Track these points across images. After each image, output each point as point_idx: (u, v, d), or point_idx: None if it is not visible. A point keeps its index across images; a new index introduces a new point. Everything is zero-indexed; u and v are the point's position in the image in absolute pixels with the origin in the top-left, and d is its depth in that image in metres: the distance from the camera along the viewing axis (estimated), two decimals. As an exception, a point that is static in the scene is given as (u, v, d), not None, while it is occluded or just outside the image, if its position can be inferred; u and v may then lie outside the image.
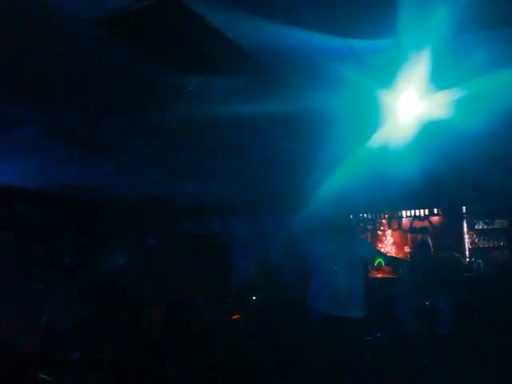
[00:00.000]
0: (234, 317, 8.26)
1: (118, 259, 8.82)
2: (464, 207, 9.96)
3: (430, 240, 8.33)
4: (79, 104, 4.17)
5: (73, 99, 4.03)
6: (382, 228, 10.80)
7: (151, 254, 9.83)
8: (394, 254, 10.66)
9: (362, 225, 10.67)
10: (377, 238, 10.84)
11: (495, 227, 9.82)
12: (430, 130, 4.63)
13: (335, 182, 6.36)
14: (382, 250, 10.71)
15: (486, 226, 9.90)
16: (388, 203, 9.63)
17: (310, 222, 7.70)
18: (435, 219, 10.21)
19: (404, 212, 10.32)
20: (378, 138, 4.88)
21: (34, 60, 3.24)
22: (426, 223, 10.14)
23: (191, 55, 3.20)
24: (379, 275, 10.22)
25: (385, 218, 10.69)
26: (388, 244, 10.74)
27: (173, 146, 5.60)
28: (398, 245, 10.73)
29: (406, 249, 10.56)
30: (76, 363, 5.88)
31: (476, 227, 10.00)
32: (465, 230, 10.08)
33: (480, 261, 9.49)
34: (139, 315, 7.27)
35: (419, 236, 9.86)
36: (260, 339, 7.11)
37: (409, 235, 10.54)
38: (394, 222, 10.56)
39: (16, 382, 5.36)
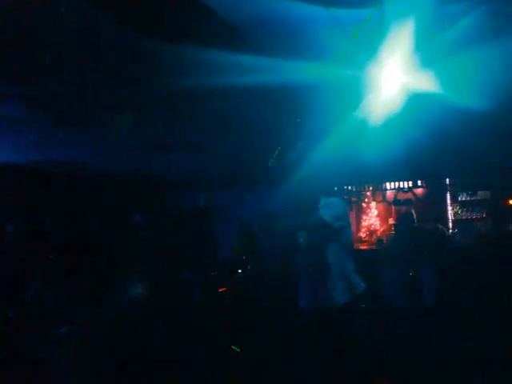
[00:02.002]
0: (221, 289, 8.30)
1: (105, 235, 8.78)
2: (447, 179, 10.03)
3: (413, 212, 8.42)
4: (59, 76, 4.08)
5: (52, 70, 3.94)
6: (366, 200, 10.87)
7: (137, 229, 9.80)
8: (378, 226, 10.76)
9: (346, 197, 10.72)
10: (361, 211, 10.91)
11: (478, 199, 9.93)
12: (413, 102, 4.61)
13: (319, 155, 6.34)
14: (366, 223, 10.81)
15: (468, 198, 10.01)
16: (372, 176, 9.66)
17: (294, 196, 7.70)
18: (419, 191, 10.29)
19: (388, 184, 10.38)
20: (362, 110, 4.86)
21: (15, 32, 3.16)
22: (409, 195, 10.22)
23: (172, 26, 3.13)
24: (363, 247, 10.32)
25: (369, 191, 10.75)
26: (372, 216, 10.82)
27: (156, 119, 5.52)
28: (383, 217, 10.82)
29: (391, 221, 10.66)
30: (62, 338, 5.90)
31: (459, 199, 10.11)
32: (448, 201, 10.19)
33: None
34: (126, 291, 7.28)
35: (403, 208, 9.95)
36: (247, 311, 7.17)
37: (393, 207, 10.63)
38: (378, 194, 10.64)
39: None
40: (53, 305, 6.31)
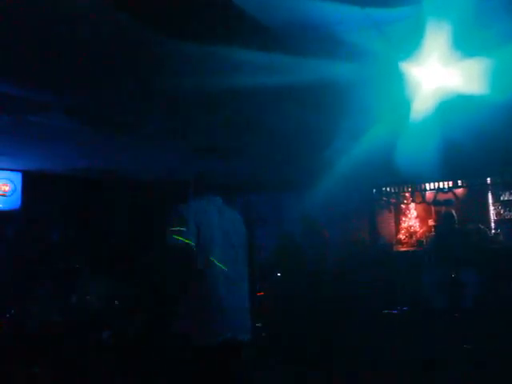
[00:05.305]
0: (258, 294, 8.30)
1: (144, 240, 8.91)
2: (489, 178, 9.78)
3: (454, 212, 8.25)
4: (95, 84, 4.18)
5: (88, 79, 4.05)
6: (405, 201, 10.69)
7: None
8: (418, 228, 10.58)
9: (385, 199, 10.56)
10: (400, 212, 10.75)
11: (521, 198, 9.65)
12: (453, 100, 4.55)
13: (357, 156, 6.30)
14: (406, 224, 10.63)
15: (511, 197, 9.73)
16: (411, 176, 9.49)
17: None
18: (459, 191, 10.05)
19: (427, 185, 10.16)
20: (401, 109, 4.81)
21: (54, 43, 3.26)
22: (450, 195, 10.00)
23: (209, 29, 3.17)
24: (403, 249, 10.16)
25: (408, 191, 10.54)
26: (412, 217, 10.65)
27: (194, 123, 5.59)
28: (422, 218, 10.63)
29: (430, 222, 10.45)
30: (106, 342, 5.98)
31: (501, 198, 9.84)
32: (490, 201, 9.93)
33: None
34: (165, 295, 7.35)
35: (443, 208, 9.73)
36: (285, 315, 7.17)
37: (433, 208, 10.42)
38: (418, 194, 10.41)
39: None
40: (99, 309, 6.43)
